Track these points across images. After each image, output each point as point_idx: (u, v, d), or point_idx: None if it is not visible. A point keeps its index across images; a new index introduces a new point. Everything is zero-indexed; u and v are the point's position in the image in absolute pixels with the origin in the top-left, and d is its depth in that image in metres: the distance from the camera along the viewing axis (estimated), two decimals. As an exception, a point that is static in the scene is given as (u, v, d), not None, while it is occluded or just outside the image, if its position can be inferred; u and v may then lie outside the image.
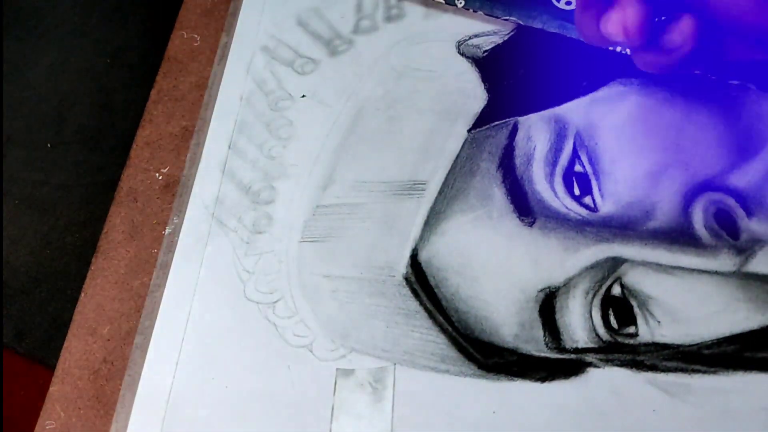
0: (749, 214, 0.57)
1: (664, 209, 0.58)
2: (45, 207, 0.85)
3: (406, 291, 0.58)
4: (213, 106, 0.70)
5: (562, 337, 0.55)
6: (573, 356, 0.54)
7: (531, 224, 0.59)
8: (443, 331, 0.56)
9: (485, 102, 0.66)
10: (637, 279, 0.55)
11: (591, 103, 0.63)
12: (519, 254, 0.58)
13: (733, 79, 0.62)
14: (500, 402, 0.53)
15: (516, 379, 0.54)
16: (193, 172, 0.67)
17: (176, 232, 0.64)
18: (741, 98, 0.62)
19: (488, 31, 0.69)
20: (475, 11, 0.70)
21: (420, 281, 0.58)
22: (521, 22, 0.68)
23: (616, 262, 0.56)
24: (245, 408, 0.56)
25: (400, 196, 0.62)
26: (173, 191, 0.67)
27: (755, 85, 0.62)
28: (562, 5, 0.68)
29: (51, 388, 0.60)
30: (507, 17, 0.69)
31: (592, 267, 0.56)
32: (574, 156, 0.61)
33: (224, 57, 0.73)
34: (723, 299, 0.54)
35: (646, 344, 0.53)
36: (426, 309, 0.57)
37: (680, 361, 0.53)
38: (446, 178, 0.62)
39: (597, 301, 0.55)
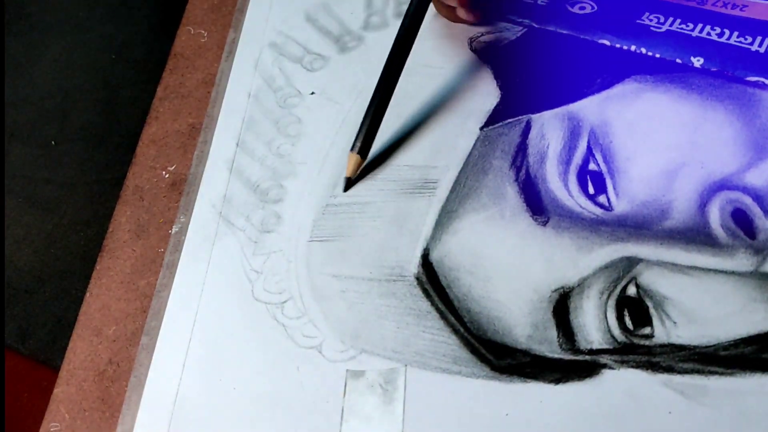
0: (766, 213, 0.57)
1: (680, 208, 0.58)
2: (49, 205, 0.85)
3: (417, 291, 0.58)
4: (220, 103, 0.70)
5: (576, 338, 0.55)
6: (587, 357, 0.54)
7: (544, 223, 0.59)
8: (455, 331, 0.56)
9: (497, 99, 0.66)
10: (652, 279, 0.55)
11: (605, 101, 0.64)
12: (532, 254, 0.58)
13: (750, 75, 0.63)
14: (513, 404, 0.53)
15: (529, 380, 0.54)
16: (200, 170, 0.67)
17: (183, 231, 0.64)
18: (758, 95, 0.62)
19: (500, 28, 0.70)
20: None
21: (431, 281, 0.58)
22: (535, 25, 0.69)
23: (631, 262, 0.56)
24: (253, 410, 0.56)
25: (411, 195, 0.62)
26: (180, 189, 0.67)
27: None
28: (576, 10, 0.68)
29: (55, 390, 0.60)
30: (521, 20, 0.69)
31: (607, 267, 0.56)
32: (589, 154, 0.61)
33: (232, 53, 0.74)
34: (740, 300, 0.54)
35: (662, 345, 0.54)
36: (437, 309, 0.57)
37: (697, 362, 0.53)
38: (458, 177, 0.62)
39: (612, 302, 0.55)
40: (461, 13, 0.68)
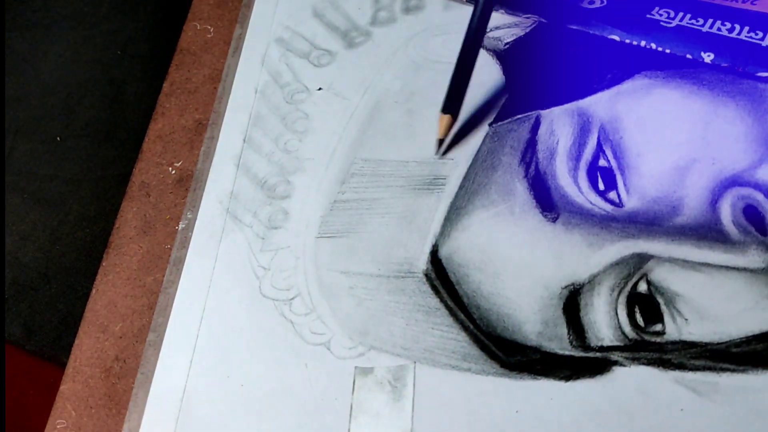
0: (778, 209, 0.57)
1: (691, 204, 0.58)
2: (54, 201, 0.86)
3: (426, 288, 0.58)
4: (227, 99, 0.70)
5: (586, 335, 0.55)
6: (598, 354, 0.54)
7: (554, 220, 0.59)
8: (464, 328, 0.57)
9: (507, 95, 0.66)
10: (663, 276, 0.55)
11: (615, 96, 0.64)
12: (542, 250, 0.58)
13: (761, 71, 0.63)
14: (523, 401, 0.54)
15: (540, 377, 0.54)
16: (207, 166, 0.67)
17: (190, 227, 0.65)
18: (769, 90, 0.62)
19: (509, 23, 0.70)
20: (496, 10, 0.70)
21: (440, 278, 0.58)
22: (543, 20, 0.69)
23: (642, 259, 0.56)
24: (261, 407, 0.56)
25: (419, 191, 0.62)
26: (187, 186, 0.67)
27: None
28: (585, 5, 0.68)
29: (62, 387, 0.60)
30: (529, 16, 0.69)
31: (618, 263, 0.56)
32: (599, 150, 0.61)
33: (238, 49, 0.74)
34: (752, 296, 0.54)
35: (674, 342, 0.54)
36: (447, 306, 0.57)
37: (708, 359, 0.53)
38: (467, 173, 0.62)
39: (623, 299, 0.55)
40: None
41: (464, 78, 0.64)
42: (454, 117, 0.64)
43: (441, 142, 0.64)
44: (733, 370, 0.52)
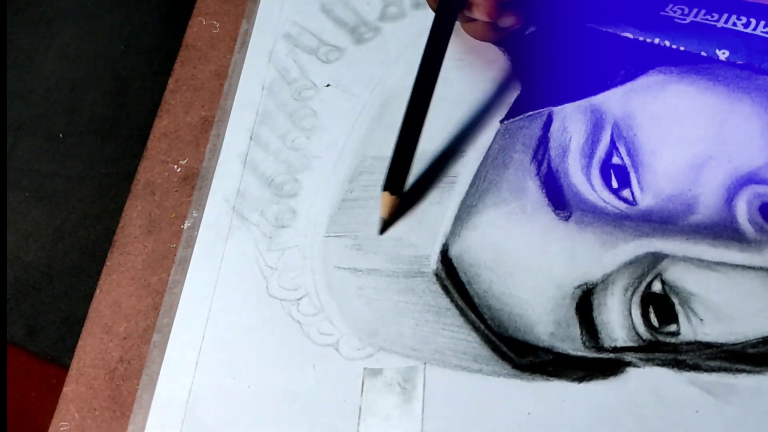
0: (796, 207, 0.57)
1: (707, 203, 0.58)
2: (57, 200, 0.86)
3: (436, 287, 0.59)
4: (233, 96, 0.71)
5: (600, 335, 0.55)
6: (611, 355, 0.54)
7: (567, 218, 0.59)
8: (475, 329, 0.57)
9: (518, 91, 0.66)
10: (678, 275, 0.56)
11: (629, 93, 0.64)
12: (554, 249, 0.58)
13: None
14: (535, 403, 0.54)
15: (552, 379, 0.54)
16: (213, 164, 0.67)
17: (196, 226, 0.65)
18: (786, 87, 0.63)
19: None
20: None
21: (451, 277, 0.59)
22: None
23: (656, 258, 0.57)
24: (268, 409, 0.57)
25: (429, 189, 0.63)
26: (192, 184, 0.67)
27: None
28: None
29: (65, 388, 0.61)
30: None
31: (631, 263, 0.57)
32: (612, 147, 0.61)
33: (245, 44, 0.74)
34: (769, 296, 0.54)
35: (688, 343, 0.54)
36: (457, 306, 0.58)
37: (724, 360, 0.53)
38: (478, 171, 0.63)
39: (636, 299, 0.55)
40: (502, 21, 0.65)
41: (409, 148, 0.62)
42: (398, 195, 0.62)
43: (386, 222, 0.62)
44: (749, 371, 0.52)
